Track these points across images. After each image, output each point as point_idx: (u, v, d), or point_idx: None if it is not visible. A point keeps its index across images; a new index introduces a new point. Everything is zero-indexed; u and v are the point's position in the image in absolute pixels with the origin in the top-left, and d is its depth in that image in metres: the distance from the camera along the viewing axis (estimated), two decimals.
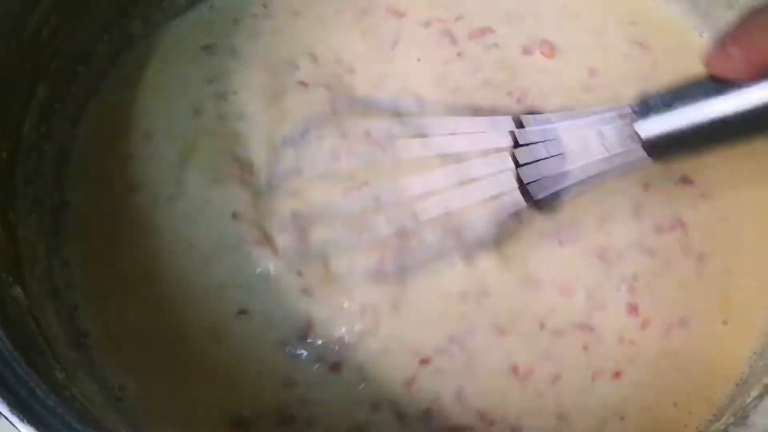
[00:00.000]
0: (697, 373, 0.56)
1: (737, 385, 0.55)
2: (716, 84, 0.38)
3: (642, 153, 0.43)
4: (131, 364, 0.55)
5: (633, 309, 0.57)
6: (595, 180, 0.47)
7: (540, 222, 0.57)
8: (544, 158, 0.48)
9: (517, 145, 0.50)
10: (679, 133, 0.40)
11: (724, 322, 0.57)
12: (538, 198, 0.50)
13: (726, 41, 0.36)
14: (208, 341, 0.56)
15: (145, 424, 0.53)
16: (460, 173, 0.54)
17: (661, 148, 0.42)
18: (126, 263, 0.58)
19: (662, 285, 0.58)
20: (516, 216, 0.55)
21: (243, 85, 0.64)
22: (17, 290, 0.50)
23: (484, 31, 0.66)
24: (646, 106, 0.42)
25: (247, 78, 0.64)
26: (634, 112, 0.43)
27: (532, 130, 0.49)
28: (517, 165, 0.49)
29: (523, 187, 0.50)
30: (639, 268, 0.58)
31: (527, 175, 0.49)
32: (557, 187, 0.48)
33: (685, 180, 0.60)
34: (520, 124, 0.51)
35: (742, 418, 0.44)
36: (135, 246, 0.58)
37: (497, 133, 0.51)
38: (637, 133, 0.42)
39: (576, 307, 0.57)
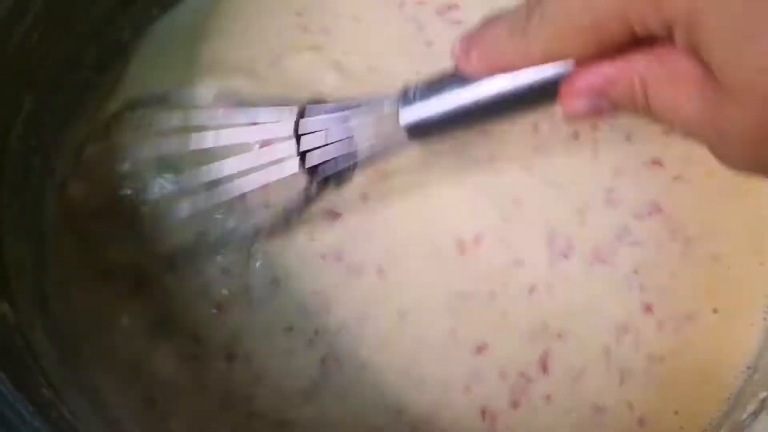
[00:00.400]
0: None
1: (729, 399, 0.55)
2: (461, 77, 0.45)
3: (404, 136, 0.49)
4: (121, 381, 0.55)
5: (648, 308, 0.58)
6: (371, 159, 0.53)
7: None
8: (323, 145, 0.53)
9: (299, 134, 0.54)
10: (432, 120, 0.47)
11: (714, 311, 0.58)
12: (323, 177, 0.54)
13: (469, 45, 0.42)
14: None
15: None
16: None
17: (419, 132, 0.49)
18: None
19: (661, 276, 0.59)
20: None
21: None
22: (5, 306, 0.50)
23: None
24: (407, 97, 0.48)
25: None
26: (399, 101, 0.49)
27: (312, 120, 0.54)
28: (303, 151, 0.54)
29: (310, 171, 0.54)
30: (636, 262, 0.59)
31: (310, 160, 0.53)
32: (339, 168, 0.53)
33: (655, 162, 0.61)
34: (302, 114, 0.55)
35: None
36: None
37: (282, 123, 0.55)
38: (398, 121, 0.49)
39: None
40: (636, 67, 0.38)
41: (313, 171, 0.53)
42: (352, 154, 0.52)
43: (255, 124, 0.56)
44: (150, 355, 0.56)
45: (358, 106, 0.52)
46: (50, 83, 0.59)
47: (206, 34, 0.67)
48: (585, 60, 0.38)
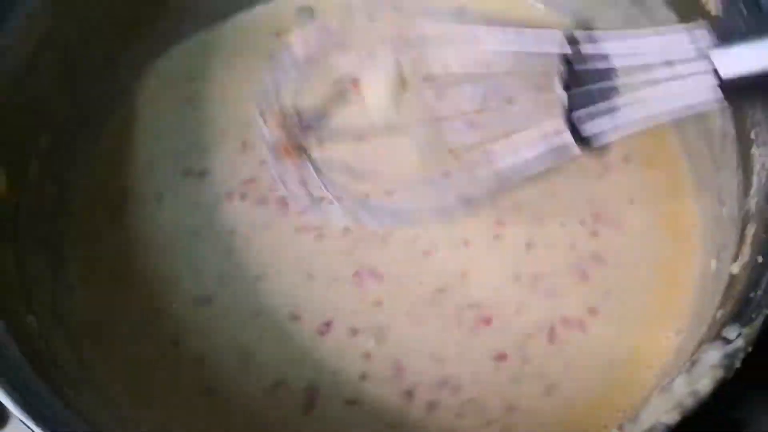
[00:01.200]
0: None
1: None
2: None
3: (717, 93, 0.35)
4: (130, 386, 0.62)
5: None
6: (655, 119, 0.41)
7: None
8: (597, 89, 0.42)
9: (569, 67, 0.43)
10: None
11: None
12: (587, 135, 0.43)
13: None
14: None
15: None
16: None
17: (746, 90, 0.34)
18: (127, 293, 0.66)
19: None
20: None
21: None
22: (30, 318, 0.57)
23: None
24: (727, 29, 0.35)
25: None
26: (712, 35, 0.35)
27: (586, 53, 0.43)
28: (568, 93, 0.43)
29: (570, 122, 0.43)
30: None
31: (578, 103, 0.42)
32: (611, 125, 0.42)
33: None
34: (573, 40, 0.44)
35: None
36: (134, 276, 0.66)
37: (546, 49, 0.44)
38: (715, 69, 0.34)
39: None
40: None
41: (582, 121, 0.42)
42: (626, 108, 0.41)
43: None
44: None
45: (648, 37, 0.40)
46: (63, 123, 0.67)
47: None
48: None
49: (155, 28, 0.75)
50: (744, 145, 0.58)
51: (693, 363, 0.50)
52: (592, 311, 0.64)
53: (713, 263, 0.61)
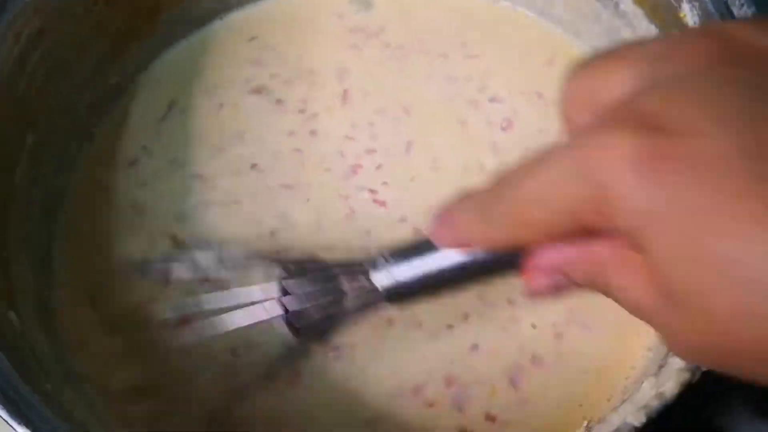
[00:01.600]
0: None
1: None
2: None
3: (381, 297, 0.50)
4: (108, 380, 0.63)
5: None
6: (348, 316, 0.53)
7: None
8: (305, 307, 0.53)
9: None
10: (406, 284, 0.48)
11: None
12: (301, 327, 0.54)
13: (441, 222, 0.44)
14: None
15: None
16: None
17: (395, 295, 0.49)
18: (110, 295, 0.66)
19: None
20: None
21: None
22: (12, 315, 0.58)
23: None
24: (380, 262, 0.49)
25: None
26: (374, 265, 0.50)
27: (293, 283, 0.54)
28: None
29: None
30: None
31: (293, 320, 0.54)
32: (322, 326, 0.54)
33: None
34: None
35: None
36: (119, 275, 0.67)
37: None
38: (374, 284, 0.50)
39: None
40: (596, 249, 0.37)
41: (296, 329, 0.54)
42: (333, 314, 0.52)
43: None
44: None
45: (340, 266, 0.53)
46: (50, 126, 0.68)
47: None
48: (542, 244, 0.39)
49: (148, 33, 0.76)
50: None
51: (660, 367, 0.51)
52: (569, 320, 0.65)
53: None
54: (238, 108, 0.74)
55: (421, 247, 0.47)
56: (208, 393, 0.62)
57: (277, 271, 0.55)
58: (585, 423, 0.51)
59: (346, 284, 0.51)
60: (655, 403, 0.48)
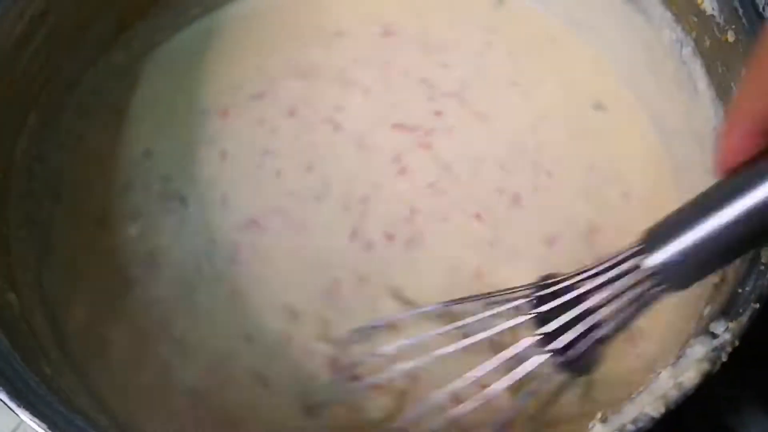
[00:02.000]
0: None
1: None
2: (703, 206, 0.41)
3: (662, 286, 0.44)
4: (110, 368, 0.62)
5: None
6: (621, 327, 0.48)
7: None
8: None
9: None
10: (689, 252, 0.42)
11: None
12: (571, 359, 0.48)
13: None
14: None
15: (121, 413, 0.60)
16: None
17: (680, 272, 0.43)
18: (108, 275, 0.65)
19: None
20: None
21: None
22: (11, 296, 0.56)
23: None
24: (654, 239, 0.43)
25: None
26: (643, 249, 0.44)
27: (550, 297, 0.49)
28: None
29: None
30: None
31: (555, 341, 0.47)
32: (586, 346, 0.48)
33: None
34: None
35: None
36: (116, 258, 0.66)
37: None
38: (650, 268, 0.43)
39: None
40: None
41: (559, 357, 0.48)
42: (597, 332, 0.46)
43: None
44: None
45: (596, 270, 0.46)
46: (52, 103, 0.67)
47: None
48: None
49: (155, 13, 0.74)
50: None
51: (679, 357, 0.49)
52: None
53: None
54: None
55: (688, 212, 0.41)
56: None
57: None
58: (599, 414, 0.49)
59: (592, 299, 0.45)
60: (674, 393, 0.47)
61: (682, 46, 0.66)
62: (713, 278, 0.55)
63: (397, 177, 0.69)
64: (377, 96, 0.73)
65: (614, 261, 0.46)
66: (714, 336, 0.49)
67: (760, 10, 0.58)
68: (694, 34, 0.64)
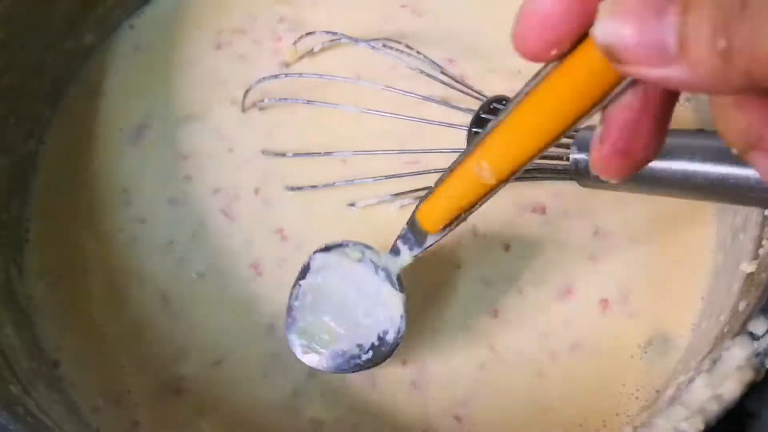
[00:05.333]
0: None
1: None
2: None
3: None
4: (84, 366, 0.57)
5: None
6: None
7: None
8: None
9: None
10: None
11: None
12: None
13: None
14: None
15: None
16: None
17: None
18: (86, 273, 0.60)
19: None
20: None
21: None
22: None
23: None
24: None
25: None
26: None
27: None
28: None
29: None
30: None
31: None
32: None
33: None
34: None
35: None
36: (95, 253, 0.61)
37: None
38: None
39: None
40: None
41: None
42: None
43: None
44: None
45: None
46: (16, 89, 0.61)
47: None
48: None
49: None
50: None
51: (714, 361, 0.44)
52: None
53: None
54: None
55: None
56: None
57: None
58: (628, 428, 0.44)
59: None
60: (714, 408, 0.41)
61: None
62: (747, 266, 0.50)
63: None
64: None
65: None
66: (754, 337, 0.44)
67: None
68: None
